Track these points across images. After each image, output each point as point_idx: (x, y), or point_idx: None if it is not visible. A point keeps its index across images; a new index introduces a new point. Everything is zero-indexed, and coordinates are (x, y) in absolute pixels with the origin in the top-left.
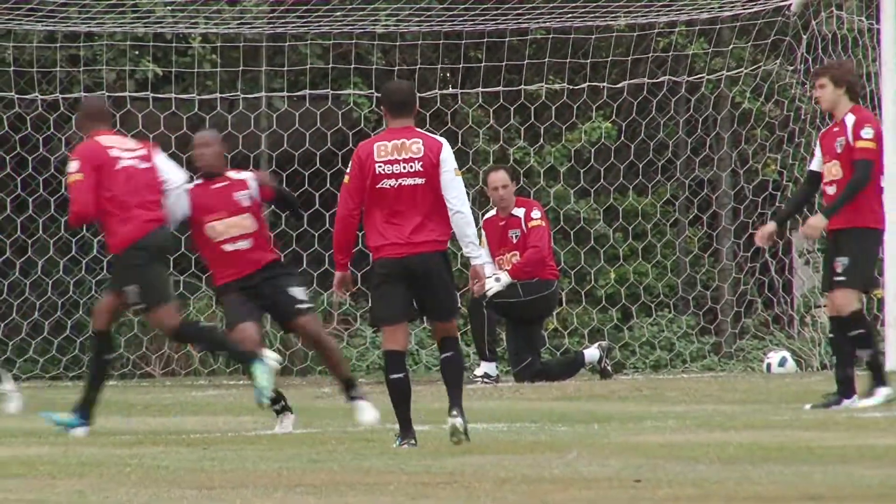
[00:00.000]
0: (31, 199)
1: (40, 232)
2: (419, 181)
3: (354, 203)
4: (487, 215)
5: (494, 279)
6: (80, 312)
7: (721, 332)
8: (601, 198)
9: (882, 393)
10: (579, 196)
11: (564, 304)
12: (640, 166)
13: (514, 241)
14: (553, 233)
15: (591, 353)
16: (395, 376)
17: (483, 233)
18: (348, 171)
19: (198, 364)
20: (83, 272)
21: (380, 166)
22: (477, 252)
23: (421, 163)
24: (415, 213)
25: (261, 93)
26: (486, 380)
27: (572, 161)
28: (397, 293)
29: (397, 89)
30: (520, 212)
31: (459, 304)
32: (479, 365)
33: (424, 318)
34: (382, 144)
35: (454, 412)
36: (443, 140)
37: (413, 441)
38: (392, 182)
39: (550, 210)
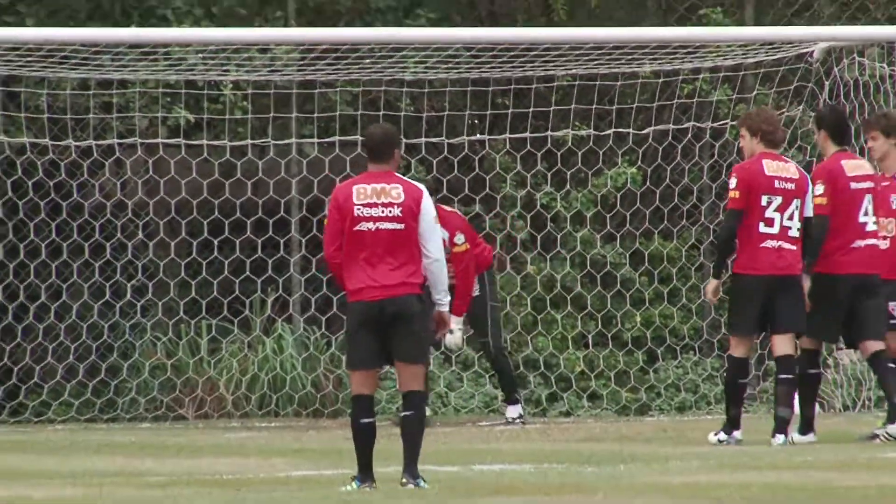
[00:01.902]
0: (65, 245)
1: (74, 276)
2: (398, 226)
3: (335, 245)
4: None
5: (454, 328)
6: (115, 356)
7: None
8: (627, 242)
9: None
10: (605, 241)
11: (591, 347)
12: (666, 211)
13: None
14: (579, 277)
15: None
16: (364, 421)
17: None
18: (326, 213)
19: (230, 407)
20: (117, 316)
21: (358, 209)
22: (446, 300)
23: (400, 208)
24: (391, 257)
25: (291, 139)
26: (518, 420)
27: (598, 206)
28: (370, 339)
29: (373, 134)
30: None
31: (427, 353)
32: (506, 408)
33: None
34: (362, 187)
35: (404, 478)
36: (423, 187)
37: (373, 483)
38: (370, 225)
39: (577, 255)
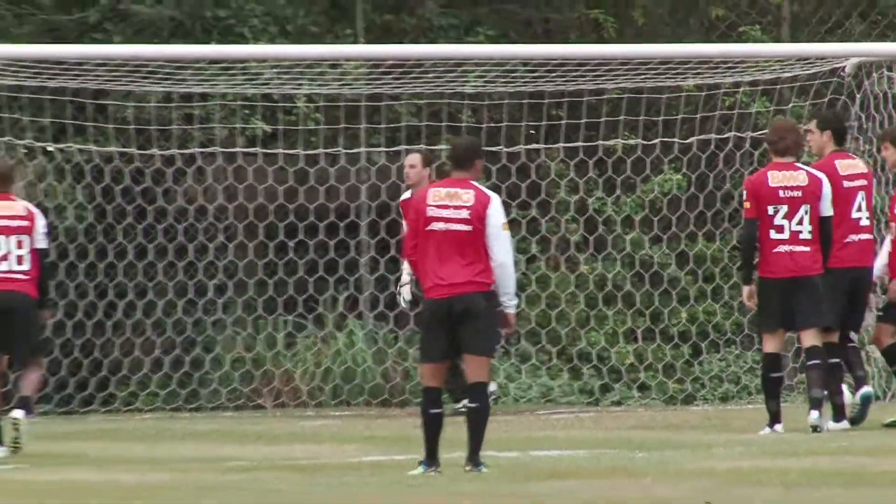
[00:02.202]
0: (150, 246)
1: (159, 276)
2: (466, 228)
3: (411, 243)
4: (403, 196)
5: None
6: (198, 350)
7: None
8: (673, 244)
9: None
10: (653, 242)
11: (640, 341)
12: (709, 215)
13: None
14: (629, 276)
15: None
16: (432, 411)
17: (401, 212)
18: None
19: (305, 397)
20: (200, 313)
21: (431, 209)
22: (512, 302)
23: (469, 212)
24: (459, 256)
25: (361, 148)
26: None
27: (646, 210)
28: (440, 335)
29: (458, 144)
30: None
31: (493, 347)
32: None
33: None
34: (437, 191)
35: (468, 465)
36: (494, 195)
37: (438, 468)
38: (441, 225)
39: (627, 255)
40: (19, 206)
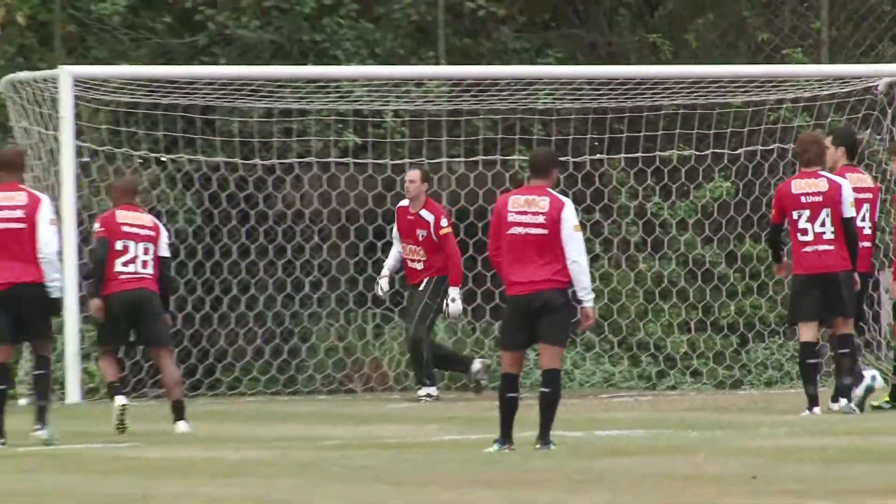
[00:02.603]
0: (252, 247)
1: (261, 273)
2: (543, 231)
3: (494, 245)
4: (401, 203)
5: (451, 300)
6: (295, 339)
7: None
8: (722, 244)
9: None
10: (704, 243)
11: (693, 332)
12: (755, 218)
13: (421, 239)
14: (683, 273)
15: (475, 365)
16: (509, 395)
17: (395, 217)
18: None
19: (392, 382)
20: (297, 306)
21: (511, 215)
22: (588, 297)
23: (545, 217)
24: (538, 257)
25: (442, 158)
26: (428, 399)
27: (699, 214)
28: (517, 326)
29: (535, 154)
30: (429, 216)
31: (567, 338)
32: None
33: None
34: (516, 198)
35: (538, 443)
36: (567, 200)
37: (511, 446)
38: (520, 230)
39: (681, 255)
40: (147, 218)
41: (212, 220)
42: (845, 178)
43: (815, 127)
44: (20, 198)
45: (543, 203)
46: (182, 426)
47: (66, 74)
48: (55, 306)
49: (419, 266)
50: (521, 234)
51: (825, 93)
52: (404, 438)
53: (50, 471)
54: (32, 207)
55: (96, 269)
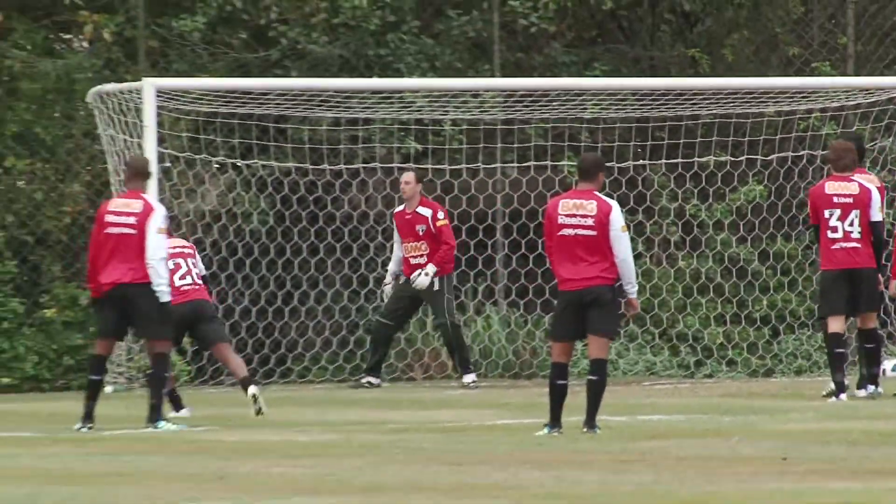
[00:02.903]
0: (321, 245)
1: (329, 270)
2: (592, 233)
3: (547, 245)
4: (396, 209)
5: (423, 273)
6: (360, 331)
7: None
8: (756, 243)
9: None
10: (739, 242)
11: (728, 324)
12: (786, 219)
13: (421, 233)
14: (719, 270)
15: (468, 377)
16: (559, 382)
17: (394, 223)
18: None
19: (450, 370)
20: (362, 301)
21: (562, 218)
22: (633, 290)
23: (593, 219)
24: (588, 256)
25: (496, 164)
26: (475, 384)
27: (734, 215)
28: (568, 320)
29: (582, 159)
30: (426, 211)
31: (615, 330)
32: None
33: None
34: (566, 202)
35: (584, 427)
36: (614, 203)
37: (560, 430)
38: (570, 231)
39: (717, 253)
40: (182, 241)
41: (283, 220)
42: (858, 178)
43: (841, 135)
44: (136, 205)
45: (592, 206)
46: (252, 388)
47: (150, 86)
48: (164, 309)
49: (422, 260)
50: (572, 235)
51: (851, 103)
52: (460, 423)
53: (134, 453)
54: (144, 216)
55: None
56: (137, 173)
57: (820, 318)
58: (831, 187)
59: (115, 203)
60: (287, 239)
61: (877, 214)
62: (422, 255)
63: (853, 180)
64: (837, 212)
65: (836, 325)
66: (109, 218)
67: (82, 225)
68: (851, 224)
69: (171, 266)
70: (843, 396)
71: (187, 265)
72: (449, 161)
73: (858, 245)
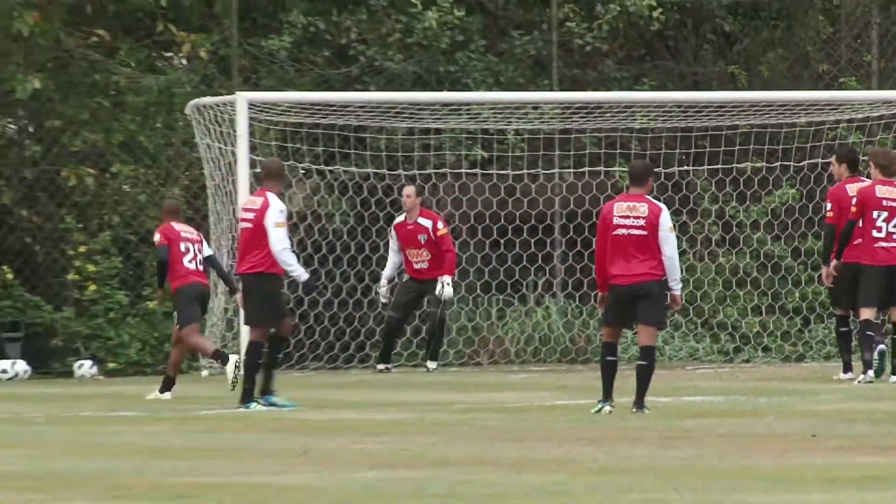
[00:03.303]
0: None
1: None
2: (643, 233)
3: (601, 245)
4: (397, 220)
5: (445, 285)
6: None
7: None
8: (789, 241)
9: None
10: (774, 240)
11: (764, 314)
12: (816, 220)
13: (423, 242)
14: (755, 265)
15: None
16: (608, 359)
17: (395, 233)
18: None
19: (513, 356)
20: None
21: (616, 219)
22: (678, 286)
23: (645, 220)
24: (639, 254)
25: (554, 170)
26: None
27: (769, 216)
28: (618, 310)
29: (633, 166)
30: (426, 222)
31: (663, 321)
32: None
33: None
34: (620, 204)
35: (633, 407)
36: (663, 206)
37: (612, 405)
38: (624, 231)
39: (754, 250)
40: (191, 230)
41: (363, 221)
42: (845, 189)
43: (866, 143)
44: (258, 202)
45: (643, 209)
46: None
47: (242, 99)
48: (306, 287)
49: (425, 266)
50: (625, 235)
51: (875, 115)
52: (522, 403)
53: (228, 431)
54: (262, 212)
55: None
56: (269, 174)
57: (860, 306)
58: (882, 191)
59: (244, 200)
60: (366, 237)
61: None
62: (424, 261)
63: None
64: (885, 214)
65: (869, 313)
66: (240, 214)
67: None
68: (895, 226)
69: (183, 249)
70: (870, 373)
71: (194, 251)
72: (512, 167)
73: None
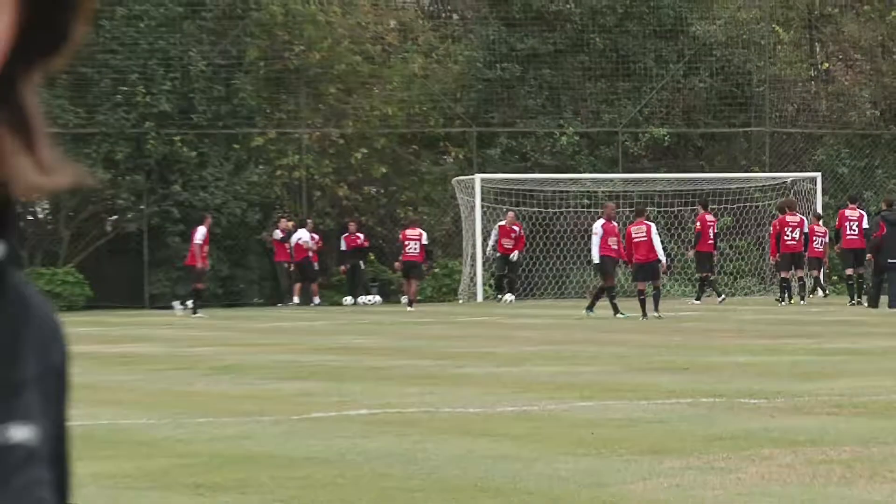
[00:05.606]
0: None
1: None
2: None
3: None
4: (501, 223)
5: (517, 255)
6: (586, 273)
7: None
8: None
9: None
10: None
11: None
12: None
13: (513, 237)
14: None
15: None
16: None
17: (498, 231)
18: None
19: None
20: (586, 258)
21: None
22: (663, 257)
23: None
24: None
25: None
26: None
27: None
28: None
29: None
30: (516, 228)
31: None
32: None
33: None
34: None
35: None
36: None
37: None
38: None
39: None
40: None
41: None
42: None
43: None
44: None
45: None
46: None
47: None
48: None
49: (511, 245)
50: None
51: None
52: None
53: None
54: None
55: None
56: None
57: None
58: None
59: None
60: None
61: None
62: (513, 245)
63: None
64: None
65: None
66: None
67: None
68: None
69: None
70: None
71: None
72: None
73: None
